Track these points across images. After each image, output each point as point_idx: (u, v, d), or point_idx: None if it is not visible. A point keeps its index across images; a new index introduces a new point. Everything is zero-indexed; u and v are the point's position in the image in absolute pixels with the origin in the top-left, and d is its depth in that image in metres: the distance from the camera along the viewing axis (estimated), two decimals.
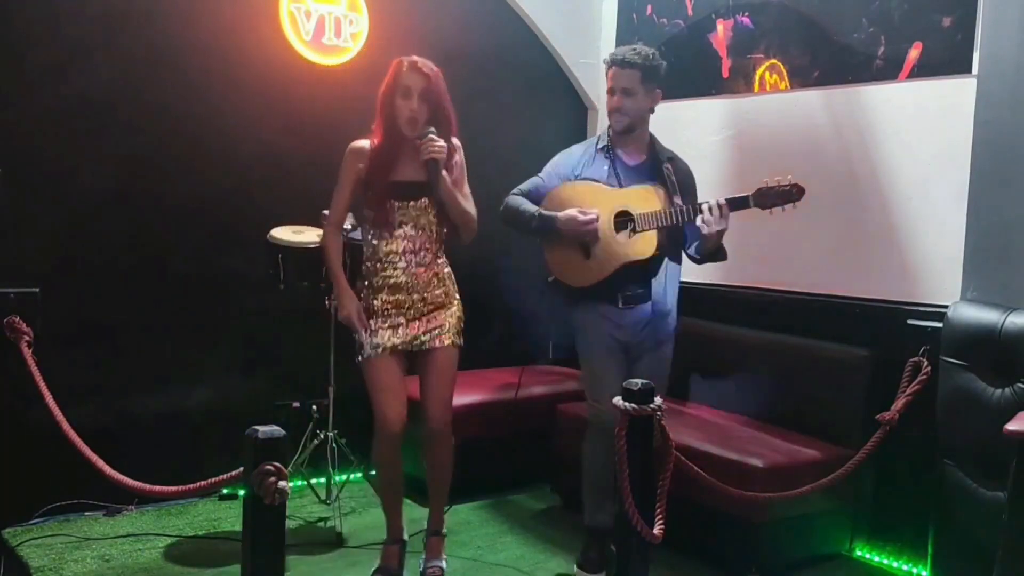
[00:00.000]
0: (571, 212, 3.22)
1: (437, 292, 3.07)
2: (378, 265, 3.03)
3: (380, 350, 3.00)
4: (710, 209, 3.08)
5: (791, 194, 3.07)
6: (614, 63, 3.28)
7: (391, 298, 3.02)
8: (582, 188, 3.30)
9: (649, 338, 3.33)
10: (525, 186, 3.41)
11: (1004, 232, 3.17)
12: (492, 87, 4.64)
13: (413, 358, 3.10)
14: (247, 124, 3.88)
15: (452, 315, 3.11)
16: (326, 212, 3.40)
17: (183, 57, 3.73)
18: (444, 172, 2.96)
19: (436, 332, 3.06)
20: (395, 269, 3.01)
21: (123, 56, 3.61)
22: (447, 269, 3.14)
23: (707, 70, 4.24)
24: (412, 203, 3.00)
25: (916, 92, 3.46)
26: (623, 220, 3.23)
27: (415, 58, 2.99)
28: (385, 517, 3.18)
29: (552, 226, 3.25)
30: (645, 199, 3.22)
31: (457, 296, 3.16)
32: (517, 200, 3.37)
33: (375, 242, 3.03)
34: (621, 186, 3.27)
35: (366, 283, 3.06)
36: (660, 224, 3.18)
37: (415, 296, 3.03)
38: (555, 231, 3.25)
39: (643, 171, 3.31)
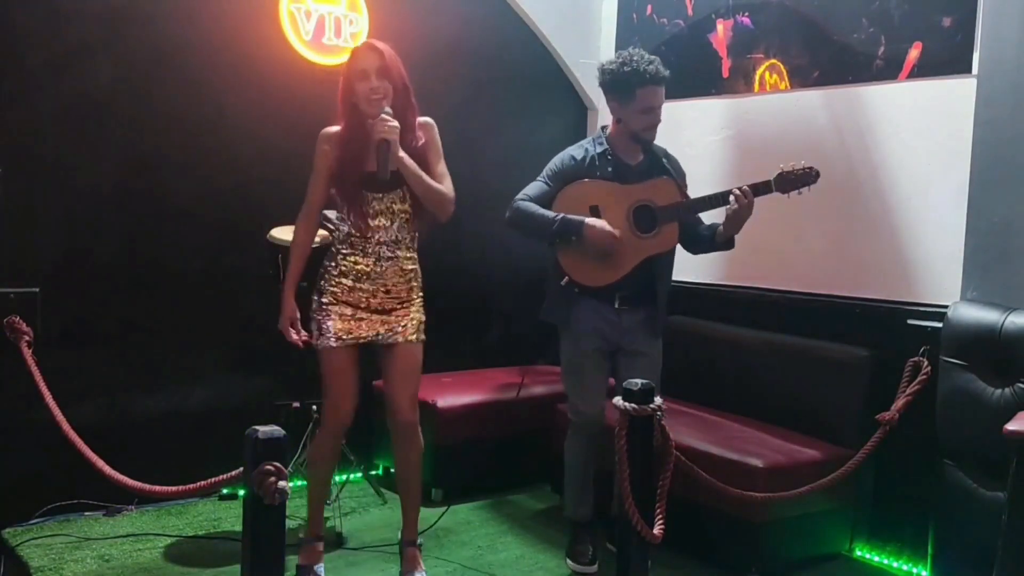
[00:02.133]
0: (603, 223, 3.20)
1: (400, 288, 3.03)
2: (348, 250, 2.99)
3: (337, 340, 2.97)
4: (744, 194, 3.18)
5: (810, 176, 3.20)
6: (655, 81, 3.22)
7: (356, 286, 2.98)
8: (592, 187, 3.30)
9: (645, 337, 3.36)
10: (532, 192, 3.33)
11: (1004, 232, 3.17)
12: (492, 87, 4.64)
13: (375, 354, 3.07)
14: (247, 124, 3.88)
15: (415, 314, 3.08)
16: (327, 212, 3.40)
17: (183, 57, 3.73)
18: (402, 153, 2.89)
19: (398, 327, 3.03)
20: (365, 256, 2.98)
21: (123, 56, 3.61)
22: (413, 266, 3.09)
23: (707, 70, 4.24)
24: (386, 194, 2.97)
25: (916, 92, 3.46)
26: (642, 216, 3.27)
27: (367, 39, 2.99)
28: (309, 513, 3.18)
29: (577, 230, 3.20)
30: (663, 192, 3.28)
31: (421, 295, 3.12)
32: (529, 205, 3.29)
33: (345, 228, 3.00)
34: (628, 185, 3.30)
35: (331, 265, 3.02)
36: (678, 215, 3.28)
37: (379, 288, 2.99)
38: (578, 235, 3.21)
39: (643, 169, 3.34)
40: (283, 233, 3.55)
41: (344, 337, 2.98)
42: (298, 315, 3.05)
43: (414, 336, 3.06)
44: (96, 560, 3.24)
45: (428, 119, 3.06)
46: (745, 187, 3.20)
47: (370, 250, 2.98)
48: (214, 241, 3.85)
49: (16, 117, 3.43)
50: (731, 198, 3.20)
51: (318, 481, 3.17)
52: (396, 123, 2.86)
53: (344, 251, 3.01)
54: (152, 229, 3.73)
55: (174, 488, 2.60)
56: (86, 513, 3.60)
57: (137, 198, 3.69)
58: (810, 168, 3.19)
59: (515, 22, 4.66)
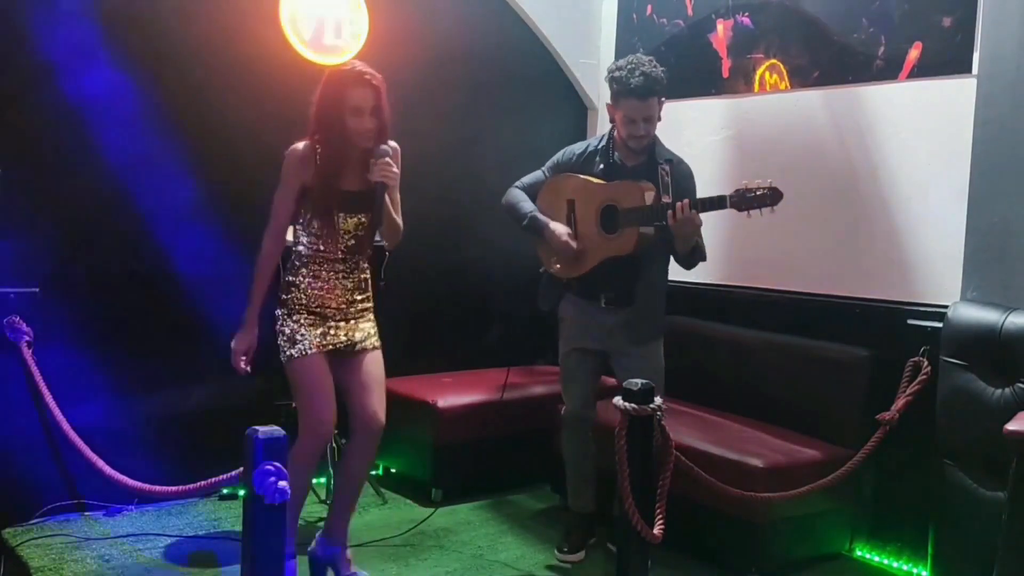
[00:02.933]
0: (562, 232, 3.33)
1: (362, 297, 3.04)
2: (312, 266, 2.97)
3: (314, 350, 2.92)
4: (682, 208, 3.05)
5: (766, 198, 2.98)
6: (636, 95, 3.18)
7: (324, 297, 2.96)
8: (573, 181, 3.39)
9: (631, 340, 3.37)
10: (527, 179, 3.52)
11: (1004, 232, 3.17)
12: (492, 87, 4.64)
13: (336, 362, 3.00)
14: (247, 124, 3.87)
15: (372, 321, 3.08)
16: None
17: (183, 57, 3.73)
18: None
19: (366, 334, 3.03)
20: (332, 271, 2.97)
21: (123, 56, 3.60)
22: (368, 276, 3.09)
23: (707, 70, 4.24)
24: (355, 215, 2.96)
25: (916, 92, 3.46)
26: (609, 215, 3.27)
27: (360, 69, 2.89)
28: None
29: (540, 233, 3.40)
30: (630, 195, 3.23)
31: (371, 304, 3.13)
32: (516, 195, 3.50)
33: (307, 241, 2.97)
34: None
35: (295, 278, 2.97)
36: (640, 220, 3.20)
37: (345, 298, 2.99)
38: (541, 236, 3.41)
39: (639, 172, 3.33)
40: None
41: (322, 344, 2.94)
42: (256, 344, 2.97)
43: (378, 342, 3.07)
44: (96, 560, 3.24)
45: (395, 145, 2.99)
46: (684, 202, 3.06)
47: (337, 266, 2.97)
48: (214, 241, 3.85)
49: (16, 117, 3.43)
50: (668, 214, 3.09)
51: (301, 491, 3.01)
52: (397, 170, 2.92)
53: (309, 264, 2.97)
54: (152, 229, 3.72)
55: (174, 488, 2.60)
56: (86, 513, 3.60)
57: (137, 198, 3.68)
58: (772, 189, 2.97)
59: (515, 22, 4.66)
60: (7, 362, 3.31)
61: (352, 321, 3.01)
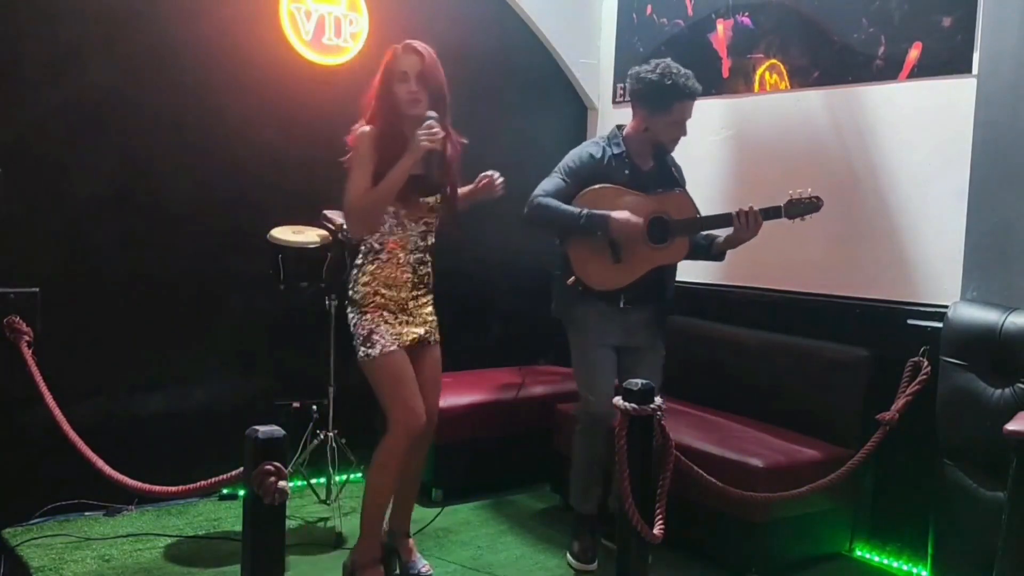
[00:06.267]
0: (627, 214, 3.23)
1: (427, 291, 3.08)
2: (382, 259, 2.95)
3: (394, 346, 2.93)
4: (748, 216, 3.23)
5: (815, 205, 3.26)
6: (692, 97, 3.35)
7: (399, 295, 2.98)
8: (614, 192, 3.32)
9: (649, 338, 3.41)
10: (549, 187, 3.33)
11: (1004, 232, 3.17)
12: (492, 87, 4.64)
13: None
14: (247, 124, 3.88)
15: (434, 315, 3.12)
16: (327, 212, 3.39)
17: (183, 57, 3.73)
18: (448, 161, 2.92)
19: (432, 329, 3.08)
20: (402, 265, 2.97)
21: (123, 56, 3.61)
22: (430, 269, 3.10)
23: (707, 70, 4.23)
24: (428, 199, 2.96)
25: (916, 92, 3.46)
26: (657, 226, 3.30)
27: (409, 40, 2.91)
28: (372, 528, 3.02)
29: (603, 225, 3.22)
30: (680, 205, 3.34)
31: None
32: (551, 202, 3.28)
33: (384, 234, 2.94)
34: (639, 190, 3.33)
35: (364, 274, 2.96)
36: (695, 229, 3.35)
37: (416, 292, 3.02)
38: (604, 230, 3.23)
39: (655, 175, 3.40)
40: (283, 233, 3.56)
41: (402, 339, 2.96)
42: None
43: (438, 336, 3.12)
44: (96, 560, 3.24)
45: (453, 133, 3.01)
46: (753, 209, 3.24)
47: (410, 258, 2.98)
48: (214, 240, 3.85)
49: (16, 118, 3.43)
50: (737, 219, 3.26)
51: (390, 489, 3.02)
52: (440, 130, 2.82)
53: (380, 258, 2.95)
54: (152, 229, 3.73)
55: (174, 488, 2.59)
56: (86, 513, 3.60)
57: (137, 198, 3.69)
58: (817, 197, 3.25)
59: (515, 22, 4.66)
60: (7, 362, 3.31)
61: (419, 316, 3.03)
